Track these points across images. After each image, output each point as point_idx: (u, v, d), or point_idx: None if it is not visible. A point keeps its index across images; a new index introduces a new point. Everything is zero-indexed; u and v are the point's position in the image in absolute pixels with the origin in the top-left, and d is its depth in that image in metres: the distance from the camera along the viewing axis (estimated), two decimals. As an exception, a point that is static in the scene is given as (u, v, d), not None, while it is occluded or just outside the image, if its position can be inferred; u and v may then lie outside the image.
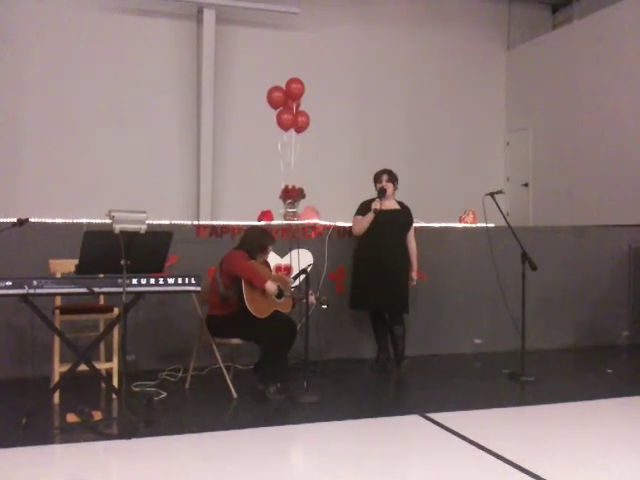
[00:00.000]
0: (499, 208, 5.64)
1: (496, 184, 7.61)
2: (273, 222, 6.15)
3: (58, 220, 5.41)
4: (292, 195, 6.37)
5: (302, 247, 6.03)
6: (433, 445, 3.87)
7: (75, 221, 5.39)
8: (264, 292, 4.73)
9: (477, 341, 6.54)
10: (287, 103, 6.75)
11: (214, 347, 4.82)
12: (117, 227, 3.87)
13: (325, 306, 5.02)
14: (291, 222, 6.15)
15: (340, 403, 4.72)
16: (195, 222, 6.01)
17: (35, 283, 3.86)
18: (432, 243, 6.26)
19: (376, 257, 5.55)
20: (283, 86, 6.75)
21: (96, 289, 4.01)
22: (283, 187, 6.47)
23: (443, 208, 7.29)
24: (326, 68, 9.29)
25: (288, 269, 5.94)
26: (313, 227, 6.14)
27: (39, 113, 8.40)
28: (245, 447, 3.79)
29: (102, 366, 4.75)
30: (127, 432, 3.84)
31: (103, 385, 4.75)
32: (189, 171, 9.07)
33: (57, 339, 4.47)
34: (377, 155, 7.88)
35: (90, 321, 4.96)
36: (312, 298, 4.92)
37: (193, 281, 4.23)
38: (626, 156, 8.19)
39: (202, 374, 5.32)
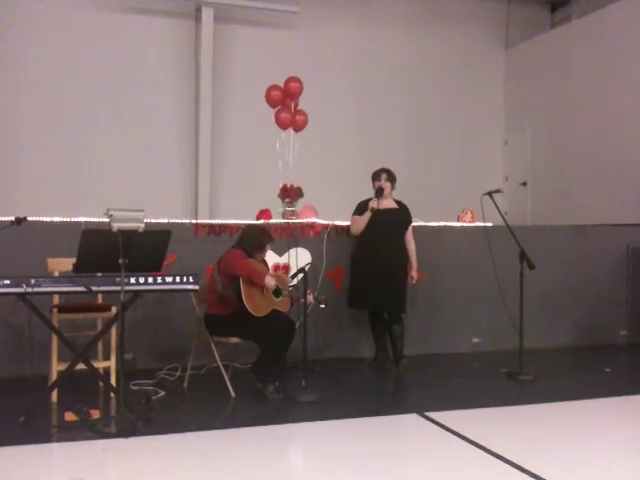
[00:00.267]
0: (497, 207, 5.64)
1: (494, 183, 7.61)
2: (271, 221, 6.15)
3: (56, 219, 5.40)
4: (290, 194, 6.37)
5: (300, 246, 6.02)
6: (432, 444, 3.87)
7: (73, 220, 5.38)
8: (263, 290, 4.73)
9: (475, 340, 6.54)
10: (285, 102, 6.74)
11: (212, 346, 4.82)
12: (115, 226, 3.87)
13: (323, 305, 5.02)
14: (289, 221, 6.15)
15: (339, 402, 4.72)
16: (193, 221, 6.00)
17: (33, 282, 3.85)
18: (430, 242, 6.25)
19: (374, 256, 5.55)
20: (281, 85, 6.75)
21: (94, 288, 4.01)
22: (281, 186, 6.46)
23: (441, 207, 7.29)
24: (325, 67, 9.29)
25: (286, 268, 5.93)
26: (311, 226, 6.14)
27: (37, 112, 8.39)
28: (243, 446, 3.78)
29: (100, 365, 4.75)
30: (125, 431, 3.84)
31: (101, 384, 4.74)
32: (187, 170, 9.06)
33: (55, 338, 4.46)
34: (375, 154, 7.88)
35: (88, 320, 4.95)
36: (310, 297, 4.92)
37: (191, 280, 4.23)
38: (625, 156, 8.19)
39: (200, 373, 5.31)
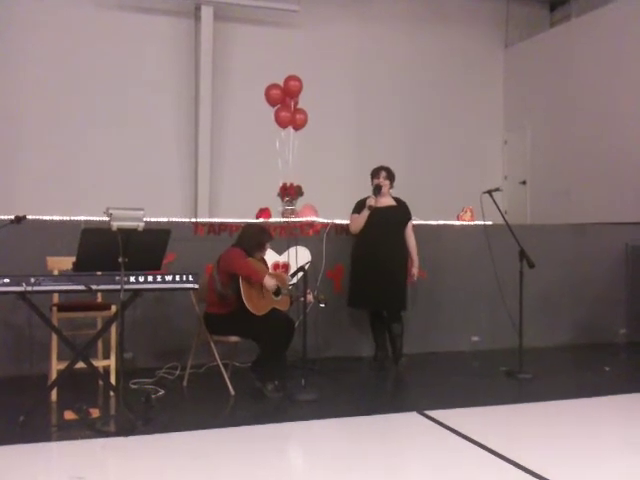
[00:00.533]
0: (497, 206, 5.64)
1: (494, 182, 7.60)
2: (271, 220, 6.15)
3: (56, 217, 5.39)
4: (290, 193, 6.37)
5: (300, 245, 6.02)
6: (431, 442, 3.88)
7: (73, 218, 5.38)
8: (262, 289, 4.73)
9: (475, 339, 6.54)
10: (285, 100, 6.74)
11: (212, 345, 4.82)
12: (115, 224, 3.86)
13: (323, 305, 5.02)
14: (289, 220, 6.15)
15: (338, 401, 4.72)
16: (193, 220, 6.00)
17: (33, 280, 3.85)
18: (430, 241, 6.25)
19: (373, 255, 5.55)
20: (281, 84, 6.74)
21: (94, 286, 4.00)
22: (281, 185, 6.46)
23: (441, 206, 7.29)
24: (325, 66, 9.28)
25: (286, 267, 5.93)
26: (311, 225, 6.14)
27: (36, 110, 8.38)
28: (243, 445, 3.78)
29: (100, 364, 4.75)
30: (125, 430, 3.84)
31: (101, 383, 4.74)
32: (187, 168, 9.06)
33: (55, 337, 4.46)
34: (375, 153, 7.87)
35: (88, 319, 4.95)
36: (310, 296, 4.92)
37: (191, 279, 4.23)
38: (624, 154, 8.20)
39: (200, 372, 5.31)
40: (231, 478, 3.30)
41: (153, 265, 4.13)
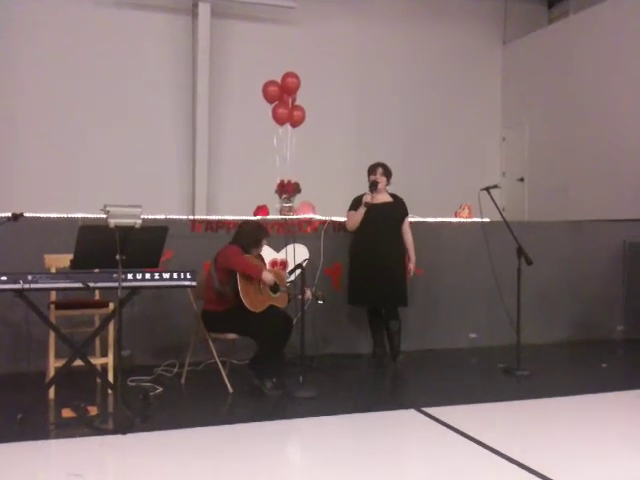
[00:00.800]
0: (495, 203, 5.64)
1: (492, 179, 7.61)
2: (269, 217, 6.14)
3: (53, 215, 5.39)
4: (288, 190, 6.37)
5: (298, 242, 6.02)
6: (429, 439, 3.88)
7: (70, 216, 5.37)
8: (260, 286, 4.73)
9: (472, 336, 6.55)
10: (283, 97, 6.73)
11: (210, 342, 4.82)
12: (112, 222, 3.86)
13: (321, 301, 5.02)
14: (287, 217, 6.14)
15: (336, 398, 4.72)
16: (191, 217, 6.00)
17: (30, 278, 3.85)
18: (428, 238, 6.26)
19: (370, 252, 5.54)
20: (279, 80, 6.73)
21: (91, 284, 4.00)
22: (279, 182, 6.46)
23: (439, 203, 7.27)
24: (322, 63, 9.27)
25: (284, 264, 5.93)
26: (309, 222, 6.13)
27: (34, 108, 8.36)
28: (241, 442, 3.79)
29: (97, 361, 4.74)
30: (123, 427, 3.84)
31: (99, 380, 4.74)
32: (184, 166, 9.05)
33: (52, 334, 4.46)
34: (373, 150, 7.86)
35: (85, 316, 4.95)
36: (308, 293, 4.92)
37: (189, 276, 4.23)
38: (622, 151, 8.20)
39: (198, 369, 5.32)
40: (230, 475, 3.30)
41: (151, 262, 4.13)
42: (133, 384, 4.89)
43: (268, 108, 6.79)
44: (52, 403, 4.40)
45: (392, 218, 5.66)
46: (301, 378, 4.73)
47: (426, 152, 9.84)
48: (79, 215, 5.35)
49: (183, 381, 5.01)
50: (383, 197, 5.70)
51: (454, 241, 6.53)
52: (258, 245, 4.96)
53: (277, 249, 5.93)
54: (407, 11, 9.89)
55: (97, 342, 4.83)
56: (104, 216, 3.88)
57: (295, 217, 6.17)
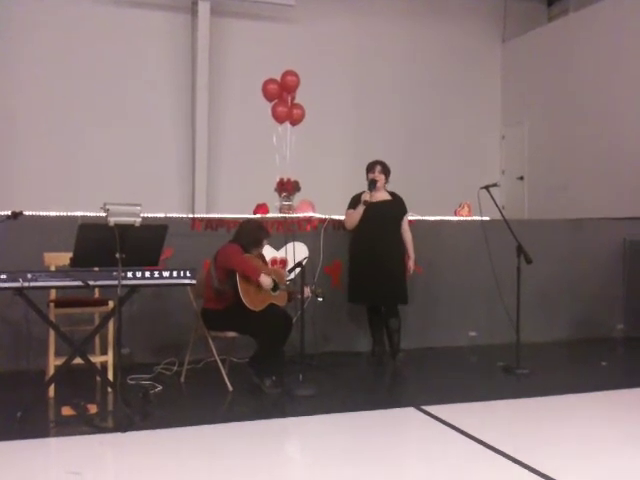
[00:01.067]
0: (494, 201, 5.64)
1: (492, 177, 7.59)
2: (268, 215, 6.14)
3: (53, 213, 5.38)
4: (287, 188, 6.37)
5: (297, 240, 6.02)
6: (428, 437, 3.88)
7: (70, 214, 5.37)
8: (259, 285, 4.73)
9: (472, 334, 6.55)
10: (282, 95, 6.73)
11: (210, 340, 4.82)
12: (112, 220, 3.86)
13: (321, 299, 5.02)
14: (286, 215, 6.14)
15: (336, 396, 4.72)
16: (190, 215, 5.99)
17: (30, 276, 3.84)
18: (428, 236, 6.25)
19: (370, 250, 5.54)
20: (278, 79, 6.73)
21: (91, 282, 4.00)
22: (278, 180, 6.46)
23: (439, 201, 7.27)
24: (322, 61, 9.26)
25: (284, 262, 5.93)
26: (308, 220, 6.13)
27: (33, 107, 8.35)
28: (241, 440, 3.79)
29: (97, 359, 4.74)
30: (122, 425, 3.84)
31: (98, 378, 4.74)
32: (184, 164, 9.05)
33: (52, 332, 4.46)
34: (373, 148, 7.86)
35: (85, 314, 4.95)
36: (307, 291, 4.92)
37: (188, 274, 4.22)
38: (621, 150, 8.20)
39: (198, 367, 5.31)
40: (229, 473, 3.31)
41: (150, 261, 4.13)
42: (133, 382, 4.89)
43: (268, 106, 6.79)
44: (52, 401, 4.40)
45: (391, 216, 5.66)
46: (301, 376, 4.74)
47: (426, 150, 9.84)
48: (79, 213, 5.35)
49: (183, 379, 5.01)
50: (382, 195, 5.69)
51: (454, 240, 6.52)
52: (258, 245, 4.95)
53: (277, 247, 5.93)
54: (406, 9, 9.89)
55: (97, 340, 4.83)
56: (104, 214, 3.88)
57: (295, 215, 6.17)
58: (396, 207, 5.71)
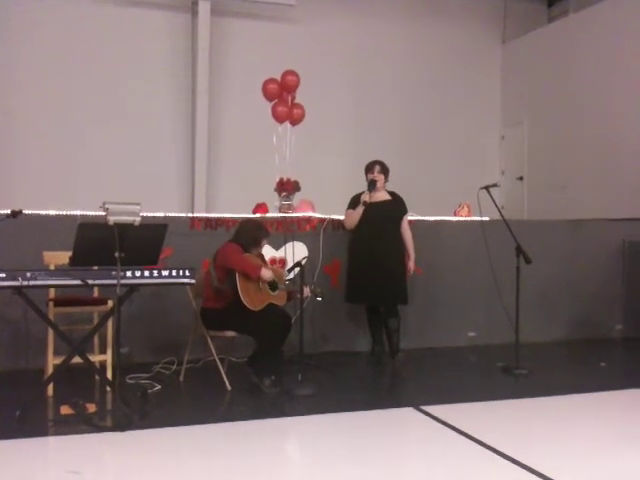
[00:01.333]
0: (494, 201, 5.64)
1: (491, 178, 7.60)
2: (268, 215, 6.14)
3: (52, 212, 5.38)
4: (287, 188, 6.36)
5: (297, 240, 6.02)
6: (427, 438, 3.88)
7: (69, 213, 5.37)
8: (259, 284, 4.73)
9: (471, 334, 6.55)
10: (282, 95, 6.73)
11: (209, 340, 4.82)
12: (111, 219, 3.85)
13: (320, 298, 5.02)
14: (286, 215, 6.14)
15: (335, 396, 4.72)
16: (190, 214, 5.99)
17: (29, 275, 3.84)
18: (427, 236, 6.25)
19: (369, 250, 5.53)
20: (278, 78, 6.73)
21: (90, 281, 4.00)
22: (278, 180, 6.46)
23: (438, 202, 7.27)
24: (322, 61, 9.26)
25: (283, 262, 5.93)
26: (308, 220, 6.13)
27: (33, 106, 8.34)
28: (239, 440, 3.79)
29: (96, 358, 4.74)
30: (121, 424, 3.83)
31: (97, 377, 4.74)
32: (184, 163, 9.04)
33: (51, 331, 4.46)
34: (372, 148, 7.85)
35: (84, 313, 4.95)
36: (307, 290, 4.92)
37: (188, 273, 4.22)
38: (621, 150, 8.20)
39: (196, 367, 5.31)
40: (228, 473, 3.30)
41: (150, 260, 4.12)
42: (132, 381, 4.90)
43: (268, 106, 6.78)
44: (51, 400, 4.40)
45: (390, 216, 5.65)
46: (300, 376, 4.74)
47: (425, 150, 9.84)
48: (78, 212, 5.35)
49: (182, 379, 5.01)
50: (381, 195, 5.69)
51: (453, 240, 6.53)
52: (258, 245, 4.95)
53: (276, 247, 5.93)
54: (407, 9, 9.89)
55: (96, 339, 4.83)
56: (103, 213, 3.87)
57: (294, 215, 6.17)
58: (396, 207, 5.71)
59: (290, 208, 6.29)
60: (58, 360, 4.40)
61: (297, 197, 6.48)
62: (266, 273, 4.70)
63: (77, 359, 4.22)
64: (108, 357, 4.74)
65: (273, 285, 4.82)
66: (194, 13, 8.96)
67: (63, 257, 4.49)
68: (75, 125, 8.47)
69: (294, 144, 6.78)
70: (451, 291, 6.48)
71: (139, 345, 5.49)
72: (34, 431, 3.77)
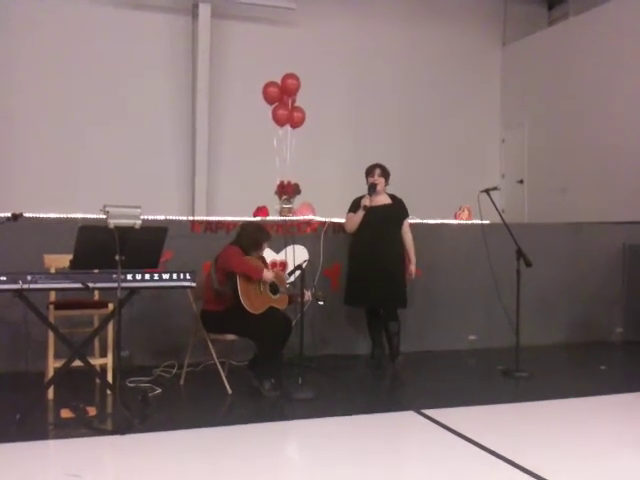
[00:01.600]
0: (494, 205, 5.64)
1: (491, 181, 7.60)
2: (268, 218, 6.14)
3: (52, 215, 5.39)
4: (287, 191, 6.37)
5: (297, 243, 6.02)
6: (427, 441, 3.88)
7: (70, 216, 5.37)
8: (260, 288, 4.73)
9: (472, 337, 6.55)
10: (282, 98, 6.74)
11: (209, 343, 4.81)
12: (111, 222, 3.86)
13: (321, 302, 5.02)
14: (286, 218, 6.14)
15: (335, 399, 4.72)
16: (190, 217, 5.99)
17: (29, 278, 3.84)
18: (427, 239, 6.25)
19: (369, 253, 5.52)
20: (279, 81, 6.73)
21: (91, 284, 4.00)
22: (278, 183, 6.46)
23: (438, 205, 7.28)
24: (322, 64, 9.27)
25: (283, 265, 5.93)
26: (308, 223, 6.13)
27: (33, 108, 8.35)
28: (240, 443, 3.79)
29: (96, 362, 4.74)
30: (121, 428, 3.84)
31: (97, 381, 4.73)
32: (184, 166, 9.05)
33: (51, 334, 4.46)
34: (372, 151, 7.86)
35: (85, 316, 4.95)
36: (308, 294, 4.92)
37: (188, 276, 4.23)
38: (621, 153, 8.20)
39: (197, 370, 5.31)
40: (228, 476, 3.30)
41: (150, 263, 4.13)
42: (132, 385, 4.89)
43: (268, 109, 6.79)
44: (51, 403, 4.40)
45: (391, 220, 5.65)
46: (300, 379, 4.73)
47: (425, 153, 9.84)
48: (79, 215, 5.35)
49: (182, 382, 5.01)
50: (382, 199, 5.69)
51: (454, 243, 6.53)
52: (259, 247, 4.95)
53: (277, 250, 5.93)
54: (407, 12, 9.90)
55: (96, 342, 4.83)
56: (104, 216, 3.88)
57: (295, 218, 6.17)
58: (396, 210, 5.70)
59: (290, 211, 6.30)
60: (58, 363, 4.40)
61: (297, 200, 6.49)
62: (268, 274, 4.71)
63: (77, 362, 4.22)
64: (108, 360, 4.74)
65: (274, 288, 4.82)
66: (194, 16, 8.97)
67: (64, 260, 4.49)
68: (75, 125, 8.48)
69: (294, 147, 6.79)
70: (451, 294, 6.48)
71: (139, 348, 5.49)
72: (34, 434, 3.77)
